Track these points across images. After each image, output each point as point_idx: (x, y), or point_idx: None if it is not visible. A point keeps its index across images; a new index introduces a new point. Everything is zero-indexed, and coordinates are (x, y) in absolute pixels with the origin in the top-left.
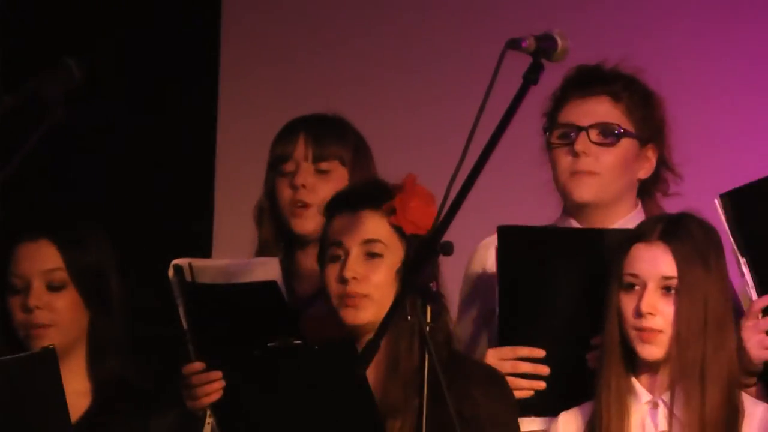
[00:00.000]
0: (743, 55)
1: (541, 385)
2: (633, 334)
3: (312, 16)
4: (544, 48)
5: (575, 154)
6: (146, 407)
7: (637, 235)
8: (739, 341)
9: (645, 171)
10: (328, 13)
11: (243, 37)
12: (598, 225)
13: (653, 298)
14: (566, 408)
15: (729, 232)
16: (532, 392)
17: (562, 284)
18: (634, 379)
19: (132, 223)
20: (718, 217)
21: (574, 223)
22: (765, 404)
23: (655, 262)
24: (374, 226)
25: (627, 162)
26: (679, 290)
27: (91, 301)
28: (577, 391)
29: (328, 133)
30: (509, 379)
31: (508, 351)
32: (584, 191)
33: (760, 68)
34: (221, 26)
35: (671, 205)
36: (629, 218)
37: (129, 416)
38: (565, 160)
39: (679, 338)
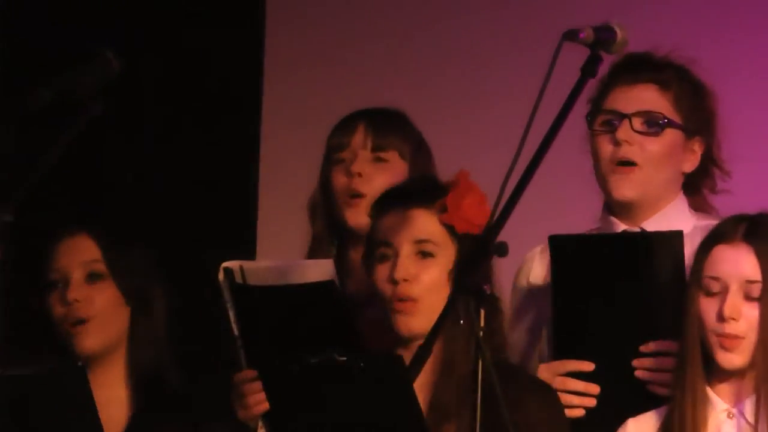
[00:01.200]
0: None
1: (592, 402)
2: (713, 340)
3: (358, 14)
4: (603, 39)
5: (617, 143)
6: (190, 417)
7: (719, 236)
8: None
9: (690, 164)
10: (374, 10)
11: (288, 35)
12: (640, 220)
13: (736, 302)
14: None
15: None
16: (582, 411)
17: (615, 294)
18: (708, 388)
19: (174, 224)
20: None
21: (616, 221)
22: None
23: (738, 264)
24: (425, 224)
25: (671, 154)
26: (763, 294)
27: (131, 297)
28: (632, 408)
29: (389, 124)
30: (560, 395)
31: (558, 365)
32: (625, 189)
33: None
34: (266, 24)
35: (720, 203)
36: (670, 207)
37: (175, 428)
38: (606, 149)
39: (764, 345)
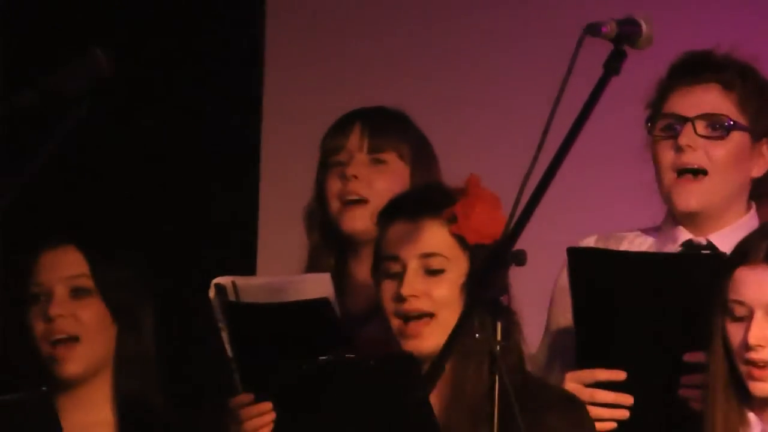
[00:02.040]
0: None
1: (625, 414)
2: (743, 369)
3: (363, 11)
4: (627, 33)
5: (679, 149)
6: None
7: (740, 257)
8: None
9: (759, 169)
10: (379, 6)
11: (289, 34)
12: (707, 230)
13: (762, 328)
14: None
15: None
16: (614, 424)
17: (639, 309)
18: (747, 411)
19: (171, 236)
20: None
21: (681, 229)
22: None
23: (762, 288)
24: (433, 237)
25: (738, 158)
26: None
27: (119, 314)
28: (664, 422)
29: (387, 125)
30: (589, 408)
31: (586, 374)
32: (690, 199)
33: None
34: (265, 20)
35: None
36: (741, 223)
37: None
38: (668, 155)
39: None
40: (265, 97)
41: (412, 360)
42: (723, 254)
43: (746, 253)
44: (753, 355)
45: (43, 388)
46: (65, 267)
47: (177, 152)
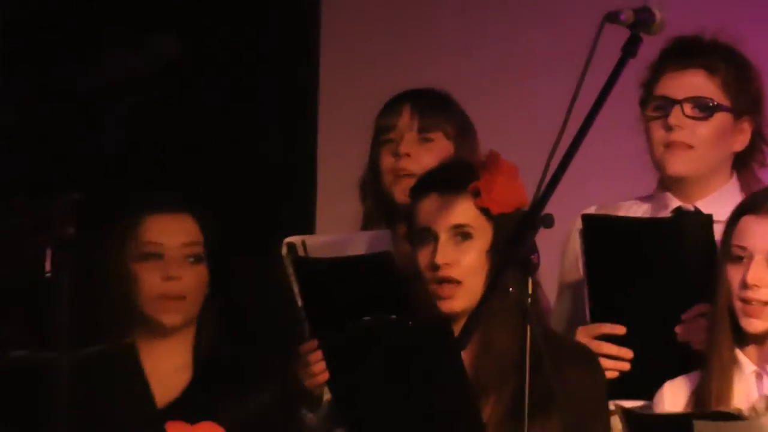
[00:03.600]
0: None
1: (625, 366)
2: (738, 305)
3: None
4: (643, 20)
5: (669, 128)
6: (245, 385)
7: (748, 207)
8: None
9: (740, 143)
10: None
11: (344, 17)
12: (695, 197)
13: (760, 270)
14: (654, 388)
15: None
16: (617, 373)
17: (647, 270)
18: (738, 350)
19: (234, 202)
20: None
21: (671, 197)
22: None
23: (764, 236)
24: (461, 209)
25: (721, 135)
26: None
27: (214, 280)
28: (666, 374)
29: (434, 106)
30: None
31: (592, 328)
32: (679, 165)
33: None
34: (321, 3)
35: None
36: (724, 190)
37: (228, 393)
38: (659, 133)
39: None
40: (322, 73)
41: (447, 322)
42: (710, 216)
43: (755, 204)
44: (749, 294)
45: (128, 340)
46: (184, 233)
47: (239, 128)
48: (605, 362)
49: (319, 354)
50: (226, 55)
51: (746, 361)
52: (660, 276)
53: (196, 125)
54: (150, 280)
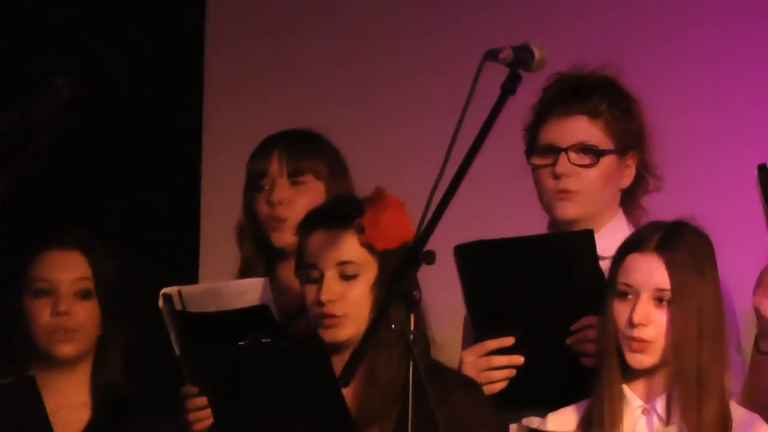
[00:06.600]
0: (727, 52)
1: (512, 372)
2: (624, 342)
3: (293, 32)
4: (522, 58)
5: (557, 176)
6: (144, 423)
7: (634, 245)
8: (756, 310)
9: (627, 179)
10: (307, 27)
11: (227, 58)
12: None
13: (646, 309)
14: (546, 395)
15: (762, 201)
16: (505, 383)
17: (524, 285)
18: (624, 386)
19: (121, 242)
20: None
21: None
22: (745, 410)
23: (650, 273)
24: (346, 246)
25: (608, 177)
26: (672, 301)
27: (107, 314)
28: (557, 379)
29: (303, 148)
30: (487, 373)
31: (478, 348)
32: (568, 209)
33: (747, 66)
34: (204, 49)
35: (650, 202)
36: (611, 225)
37: (128, 430)
38: (548, 182)
39: (674, 347)
40: (205, 113)
41: (317, 344)
42: (591, 231)
43: (640, 241)
44: (635, 333)
45: (28, 374)
46: (73, 269)
47: (122, 167)
48: (498, 373)
49: (196, 401)
50: (113, 98)
51: (633, 397)
52: (543, 291)
53: (88, 165)
54: (43, 315)
